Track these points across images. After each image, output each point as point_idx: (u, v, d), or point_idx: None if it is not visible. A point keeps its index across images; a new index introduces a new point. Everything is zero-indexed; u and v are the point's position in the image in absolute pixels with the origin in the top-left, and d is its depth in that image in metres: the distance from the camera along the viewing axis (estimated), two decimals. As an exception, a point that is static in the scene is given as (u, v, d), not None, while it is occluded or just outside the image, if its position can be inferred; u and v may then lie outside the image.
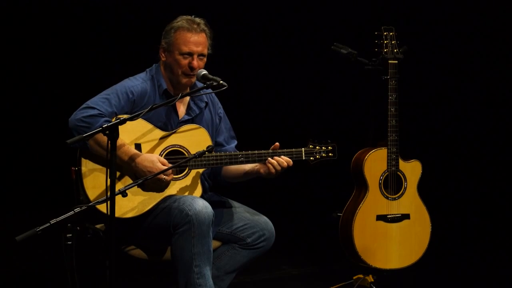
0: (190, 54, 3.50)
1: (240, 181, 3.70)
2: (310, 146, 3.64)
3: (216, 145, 3.69)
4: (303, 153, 3.62)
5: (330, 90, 5.97)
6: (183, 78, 3.53)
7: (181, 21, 3.54)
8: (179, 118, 3.59)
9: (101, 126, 2.88)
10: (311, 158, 3.64)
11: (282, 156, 3.53)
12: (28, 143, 5.53)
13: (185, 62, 3.51)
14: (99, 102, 3.39)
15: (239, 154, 3.53)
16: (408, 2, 5.71)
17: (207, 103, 3.69)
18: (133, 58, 4.72)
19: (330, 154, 3.67)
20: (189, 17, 3.56)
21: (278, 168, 3.51)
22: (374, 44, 4.12)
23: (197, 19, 3.55)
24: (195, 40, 3.50)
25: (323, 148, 3.66)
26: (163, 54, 3.58)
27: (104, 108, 3.37)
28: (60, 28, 5.45)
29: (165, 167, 3.34)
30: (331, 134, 3.79)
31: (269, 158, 3.52)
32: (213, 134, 3.70)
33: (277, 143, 3.56)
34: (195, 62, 3.50)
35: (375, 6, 5.70)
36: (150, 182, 3.38)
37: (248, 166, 3.61)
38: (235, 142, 3.81)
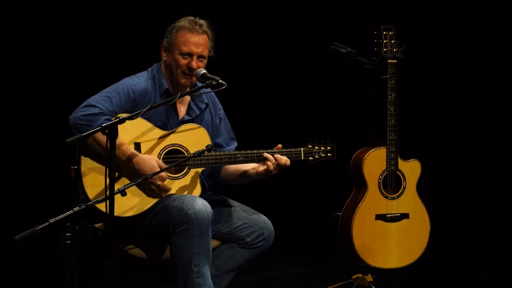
0: (190, 54, 3.50)
1: (239, 183, 3.70)
2: (309, 146, 3.64)
3: (216, 147, 3.68)
4: (302, 153, 3.62)
5: (330, 89, 5.96)
6: (181, 78, 3.53)
7: (184, 21, 3.54)
8: (179, 118, 3.59)
9: (102, 125, 2.87)
10: (310, 158, 3.64)
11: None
12: (27, 142, 5.52)
13: (184, 62, 3.50)
14: (100, 100, 3.38)
15: (238, 154, 3.53)
16: (408, 2, 5.71)
17: (207, 104, 3.68)
18: (134, 57, 4.71)
19: (329, 154, 3.67)
20: (192, 18, 3.55)
21: (274, 163, 3.51)
22: (374, 44, 4.12)
23: (200, 21, 3.54)
24: (195, 41, 3.50)
25: (322, 148, 3.65)
26: (164, 53, 3.58)
27: (105, 107, 3.36)
28: (60, 26, 5.44)
29: (163, 171, 3.33)
30: (331, 133, 3.80)
31: (266, 154, 3.51)
32: (213, 135, 3.70)
33: (279, 145, 3.56)
34: (194, 63, 3.49)
35: (375, 6, 5.70)
36: (148, 188, 3.40)
37: (247, 167, 3.61)
38: (235, 144, 3.80)
